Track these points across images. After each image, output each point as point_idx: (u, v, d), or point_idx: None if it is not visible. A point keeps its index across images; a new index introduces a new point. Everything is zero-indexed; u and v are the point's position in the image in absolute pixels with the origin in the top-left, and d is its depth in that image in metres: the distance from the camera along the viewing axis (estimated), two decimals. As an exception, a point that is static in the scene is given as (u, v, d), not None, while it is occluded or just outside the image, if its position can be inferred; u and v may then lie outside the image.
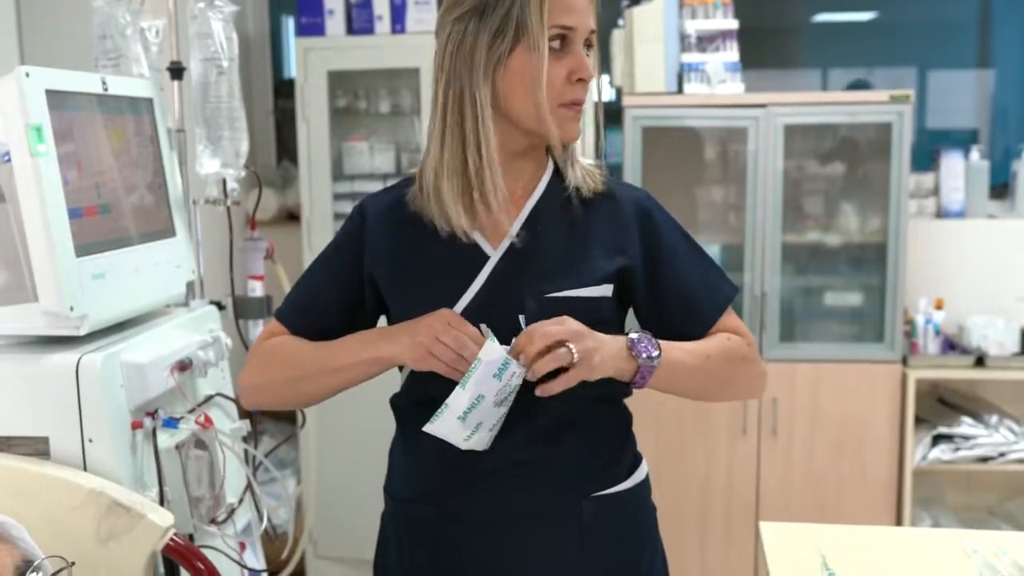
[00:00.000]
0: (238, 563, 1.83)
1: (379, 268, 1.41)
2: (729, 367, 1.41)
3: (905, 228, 3.19)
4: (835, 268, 3.43)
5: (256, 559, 1.97)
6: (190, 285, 1.99)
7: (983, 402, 3.44)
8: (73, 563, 1.16)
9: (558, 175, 1.41)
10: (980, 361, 3.25)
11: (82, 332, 1.58)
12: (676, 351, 1.34)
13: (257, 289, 2.14)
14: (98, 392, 1.55)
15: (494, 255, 1.37)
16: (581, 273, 1.36)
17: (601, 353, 1.26)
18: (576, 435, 1.38)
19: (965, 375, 3.29)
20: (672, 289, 1.41)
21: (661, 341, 1.33)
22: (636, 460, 1.47)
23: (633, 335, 1.31)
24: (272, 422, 3.40)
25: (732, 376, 1.42)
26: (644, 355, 1.29)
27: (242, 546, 1.90)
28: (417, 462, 1.42)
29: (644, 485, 1.49)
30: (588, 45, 1.33)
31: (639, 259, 1.40)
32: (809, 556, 1.67)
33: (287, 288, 2.27)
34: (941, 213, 3.51)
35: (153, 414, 1.65)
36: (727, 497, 3.28)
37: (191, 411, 1.75)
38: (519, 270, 1.36)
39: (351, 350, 1.36)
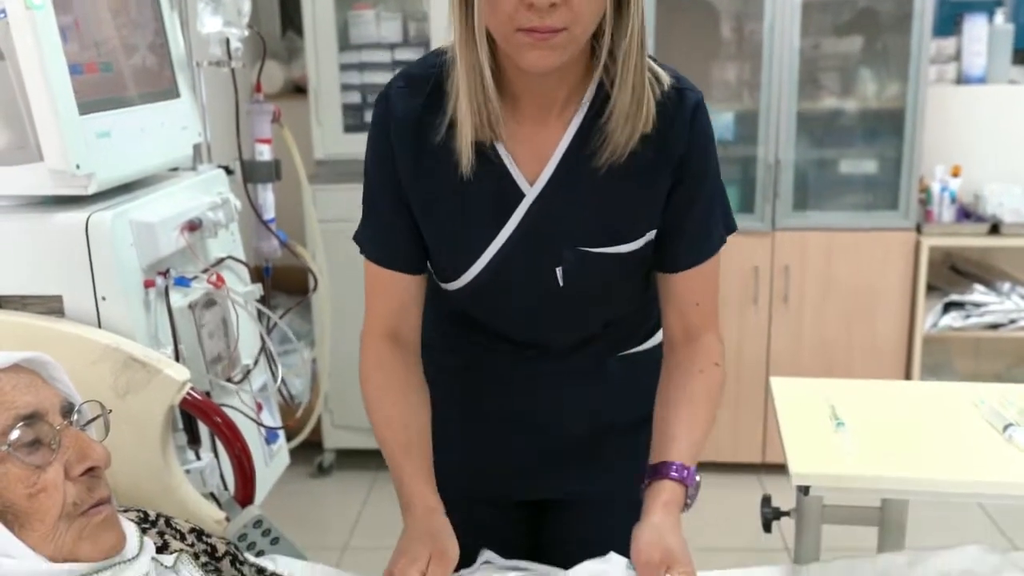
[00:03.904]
0: (254, 420, 1.86)
1: (409, 194, 1.30)
2: (716, 410, 1.37)
3: (924, 94, 3.12)
4: (851, 136, 3.36)
5: (272, 419, 2.00)
6: (197, 149, 1.96)
7: (996, 270, 3.43)
8: (111, 411, 1.16)
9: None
10: (995, 229, 3.22)
11: (89, 191, 1.57)
12: (700, 450, 1.32)
13: (265, 153, 2.12)
14: (108, 250, 1.55)
15: (530, 192, 1.25)
16: (626, 228, 1.28)
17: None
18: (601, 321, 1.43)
19: (979, 243, 3.27)
20: (672, 221, 1.31)
21: (687, 461, 1.29)
22: (657, 325, 1.49)
23: (688, 498, 1.28)
24: (285, 296, 3.42)
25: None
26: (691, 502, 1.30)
27: (259, 407, 1.93)
28: (442, 319, 1.46)
29: (662, 345, 1.52)
30: None
31: (670, 184, 1.28)
32: (819, 408, 1.69)
33: (295, 153, 2.25)
34: (962, 79, 3.42)
35: (165, 273, 1.65)
36: (737, 361, 3.31)
37: (203, 271, 1.75)
38: (556, 214, 1.25)
39: (400, 493, 1.33)
